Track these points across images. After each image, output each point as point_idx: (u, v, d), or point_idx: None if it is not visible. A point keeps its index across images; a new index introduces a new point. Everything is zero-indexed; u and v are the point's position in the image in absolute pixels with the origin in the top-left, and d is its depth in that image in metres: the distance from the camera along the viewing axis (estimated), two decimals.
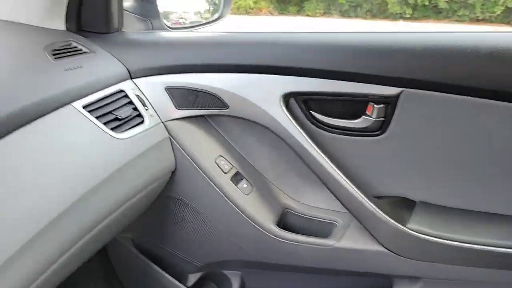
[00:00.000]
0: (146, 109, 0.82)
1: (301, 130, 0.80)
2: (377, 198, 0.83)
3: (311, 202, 0.91)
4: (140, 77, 0.85)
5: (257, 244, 0.88)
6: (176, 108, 0.85)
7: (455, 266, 0.80)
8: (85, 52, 0.80)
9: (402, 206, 0.83)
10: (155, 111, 0.84)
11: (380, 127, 0.78)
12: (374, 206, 0.80)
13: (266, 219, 0.87)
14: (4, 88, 0.60)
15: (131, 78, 0.84)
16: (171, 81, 0.84)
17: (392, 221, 0.79)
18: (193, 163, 0.85)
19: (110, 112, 0.74)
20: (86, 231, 0.63)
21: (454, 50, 0.70)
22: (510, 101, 0.69)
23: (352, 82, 0.75)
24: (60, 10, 0.85)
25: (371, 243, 0.83)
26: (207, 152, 0.87)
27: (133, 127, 0.76)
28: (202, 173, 0.85)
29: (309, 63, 0.77)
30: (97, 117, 0.70)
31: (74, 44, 0.81)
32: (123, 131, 0.74)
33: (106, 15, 0.89)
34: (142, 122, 0.79)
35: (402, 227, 0.79)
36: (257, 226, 0.86)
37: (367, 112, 0.77)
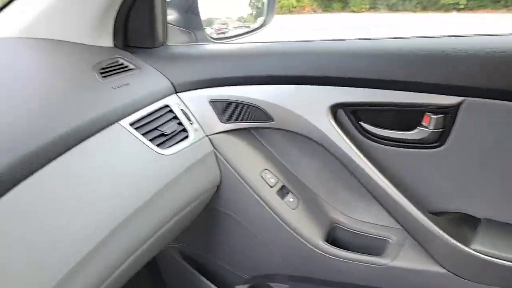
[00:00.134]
0: (191, 123, 0.82)
1: (350, 142, 0.76)
2: (434, 214, 0.77)
3: (361, 217, 0.87)
4: (185, 91, 0.85)
5: (305, 259, 0.85)
6: (220, 121, 0.84)
7: None
8: (131, 69, 0.81)
9: (462, 223, 0.76)
10: (200, 125, 0.83)
11: (438, 139, 0.72)
12: (431, 223, 0.74)
13: (314, 234, 0.84)
14: (56, 108, 0.61)
15: (176, 92, 0.84)
16: (215, 94, 0.83)
17: (451, 239, 0.73)
18: (238, 176, 0.84)
19: (155, 128, 0.74)
20: (136, 247, 0.64)
21: None
22: None
23: (406, 92, 0.70)
24: (107, 28, 0.87)
25: (428, 263, 0.77)
26: (252, 166, 0.85)
27: (178, 142, 0.76)
28: (248, 186, 0.84)
29: (359, 72, 0.73)
30: (143, 134, 0.71)
31: (121, 61, 0.82)
32: (168, 147, 0.74)
33: (151, 30, 0.90)
34: (187, 136, 0.79)
35: (463, 246, 0.72)
36: (304, 242, 0.83)
37: (423, 123, 0.72)
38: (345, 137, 0.76)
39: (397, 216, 0.77)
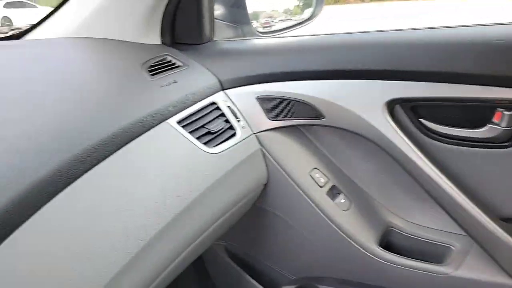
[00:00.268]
0: (238, 121, 0.80)
1: (408, 141, 0.70)
2: (504, 221, 0.69)
3: (420, 221, 0.81)
4: (232, 87, 0.83)
5: (357, 263, 0.80)
6: (268, 118, 0.81)
7: None
8: (179, 66, 0.81)
9: None
10: (247, 122, 0.81)
11: (511, 137, 0.64)
12: (501, 230, 0.67)
13: (367, 238, 0.79)
14: (107, 108, 0.62)
15: (223, 89, 0.83)
16: (263, 90, 0.80)
17: None
18: (286, 175, 0.81)
19: (202, 126, 0.73)
20: (184, 247, 0.64)
21: None
22: None
23: (475, 86, 0.63)
24: (155, 25, 0.87)
25: (496, 273, 0.70)
26: (301, 164, 0.82)
27: (225, 140, 0.75)
28: (296, 186, 0.81)
29: (419, 65, 0.67)
30: (190, 132, 0.70)
31: (169, 59, 0.82)
32: (215, 145, 0.72)
33: (198, 26, 0.89)
34: (234, 134, 0.77)
35: None
36: (356, 245, 0.79)
37: (494, 120, 0.64)
38: (403, 135, 0.70)
39: (461, 221, 0.71)
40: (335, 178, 0.84)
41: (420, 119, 0.71)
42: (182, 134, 0.68)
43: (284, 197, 0.83)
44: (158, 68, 0.77)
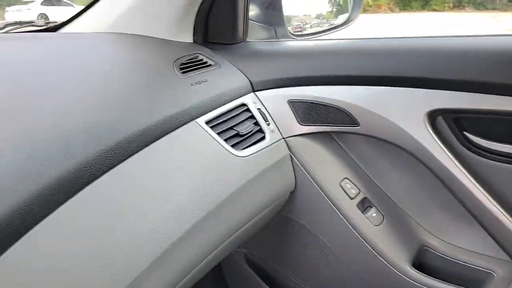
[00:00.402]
0: (267, 124, 0.77)
1: (450, 155, 0.66)
2: None
3: (458, 242, 0.75)
4: (263, 89, 0.80)
5: (387, 283, 0.76)
6: (299, 123, 0.78)
7: None
8: (210, 65, 0.79)
9: None
10: (276, 126, 0.78)
11: None
12: None
13: (399, 257, 0.74)
14: (137, 104, 0.60)
15: (254, 91, 0.80)
16: (295, 94, 0.77)
17: None
18: (314, 184, 0.77)
19: (231, 128, 0.71)
20: (207, 252, 0.61)
21: None
22: None
23: None
24: (188, 23, 0.85)
25: None
26: (331, 173, 0.78)
27: (253, 143, 0.72)
28: (324, 195, 0.77)
29: (466, 74, 0.63)
30: (218, 133, 0.68)
31: (201, 57, 0.80)
32: (243, 148, 0.70)
33: (232, 26, 0.87)
34: (263, 138, 0.75)
35: None
36: (387, 263, 0.74)
37: None
38: (444, 148, 0.66)
39: (505, 245, 0.65)
40: (367, 190, 0.79)
41: (464, 132, 0.66)
42: (210, 135, 0.66)
43: (311, 206, 0.80)
44: (190, 66, 0.75)
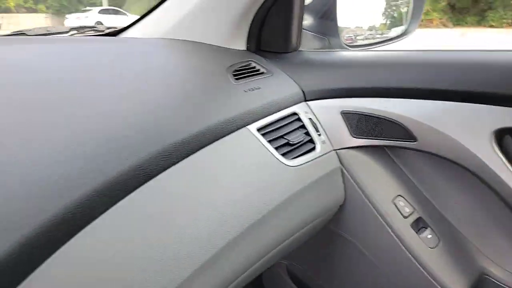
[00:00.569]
0: (319, 135, 0.75)
1: None
2: None
3: None
4: (315, 99, 0.79)
5: None
6: (351, 135, 0.75)
7: None
8: (263, 73, 0.79)
9: None
10: (328, 137, 0.76)
11: None
12: None
13: (456, 284, 0.69)
14: (191, 108, 0.61)
15: (305, 100, 0.79)
16: (348, 105, 0.75)
17: None
18: (365, 199, 0.74)
19: (282, 136, 0.70)
20: (252, 262, 0.60)
21: None
22: None
23: None
24: (243, 31, 0.86)
25: None
26: (383, 189, 0.75)
27: (304, 153, 0.71)
28: (376, 212, 0.74)
29: None
30: (269, 141, 0.67)
31: (253, 65, 0.80)
32: (293, 158, 0.68)
33: (285, 35, 0.86)
34: (313, 148, 0.73)
35: None
36: None
37: None
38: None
39: None
40: (422, 210, 0.75)
41: None
42: (261, 142, 0.65)
43: (360, 222, 0.77)
44: (243, 73, 0.75)
